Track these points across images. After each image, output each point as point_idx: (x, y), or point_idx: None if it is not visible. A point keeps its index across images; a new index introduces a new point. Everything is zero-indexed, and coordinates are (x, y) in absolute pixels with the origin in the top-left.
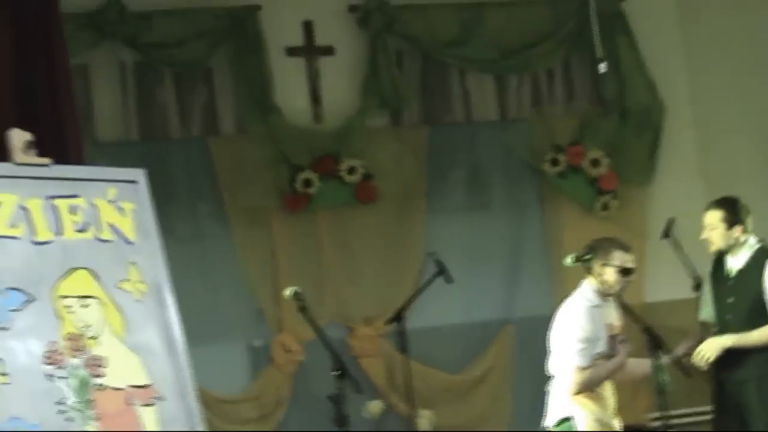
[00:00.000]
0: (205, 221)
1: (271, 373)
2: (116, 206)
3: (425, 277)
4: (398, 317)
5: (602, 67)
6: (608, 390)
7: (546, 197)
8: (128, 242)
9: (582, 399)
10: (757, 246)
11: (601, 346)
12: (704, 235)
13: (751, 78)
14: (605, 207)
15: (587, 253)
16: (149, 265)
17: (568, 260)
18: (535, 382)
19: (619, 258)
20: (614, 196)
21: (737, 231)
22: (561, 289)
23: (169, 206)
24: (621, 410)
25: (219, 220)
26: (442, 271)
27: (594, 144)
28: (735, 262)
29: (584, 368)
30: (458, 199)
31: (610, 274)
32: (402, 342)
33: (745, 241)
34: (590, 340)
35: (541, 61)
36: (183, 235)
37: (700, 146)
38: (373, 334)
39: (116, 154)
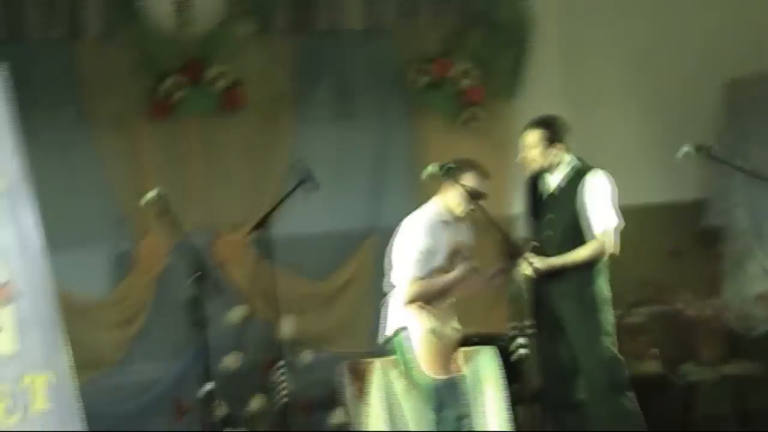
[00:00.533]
0: (70, 126)
1: (134, 279)
2: None
3: (291, 185)
4: (263, 224)
5: None
6: (448, 302)
7: (413, 109)
8: None
9: (417, 310)
10: (575, 163)
11: (440, 260)
12: (524, 153)
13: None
14: (472, 119)
15: (449, 163)
16: (7, 163)
17: (431, 169)
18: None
19: (472, 180)
20: (481, 109)
21: (557, 149)
22: (425, 200)
23: (32, 109)
24: (479, 320)
25: (83, 125)
26: (307, 179)
27: (462, 56)
28: (553, 180)
29: (419, 279)
30: (326, 109)
31: (458, 195)
32: (266, 249)
33: (563, 161)
34: (428, 252)
35: None
36: (45, 141)
37: (566, 64)
38: (237, 241)
39: None
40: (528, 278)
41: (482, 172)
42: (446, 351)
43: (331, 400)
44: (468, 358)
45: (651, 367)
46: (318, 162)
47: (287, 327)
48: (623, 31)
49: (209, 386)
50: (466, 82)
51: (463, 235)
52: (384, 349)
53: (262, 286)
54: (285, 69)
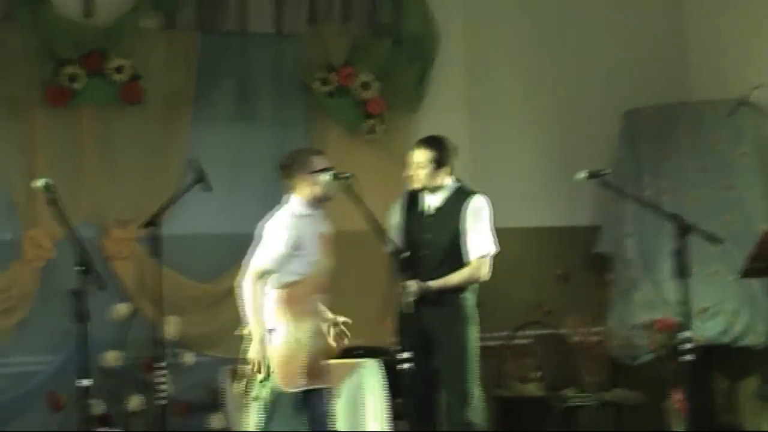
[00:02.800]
0: None
1: (19, 268)
2: None
3: (185, 184)
4: (153, 222)
5: None
6: (319, 312)
7: (313, 116)
8: None
9: (284, 314)
10: (455, 185)
11: (313, 255)
12: (410, 171)
13: (526, 13)
14: (371, 131)
15: (344, 173)
16: None
17: (328, 177)
18: None
19: (321, 162)
20: (381, 121)
21: (443, 172)
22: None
23: None
24: (367, 332)
25: None
26: (201, 178)
27: (365, 67)
28: (433, 200)
29: (266, 271)
30: (225, 109)
31: (324, 178)
32: (155, 247)
33: (445, 182)
34: (294, 247)
35: None
36: None
37: (470, 78)
38: (126, 237)
39: None
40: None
41: (319, 151)
42: (305, 361)
43: (211, 403)
44: (352, 370)
45: (533, 389)
46: (214, 162)
47: (171, 327)
48: (527, 54)
49: (86, 382)
50: (367, 93)
51: (326, 227)
52: None
53: (148, 285)
54: (186, 66)
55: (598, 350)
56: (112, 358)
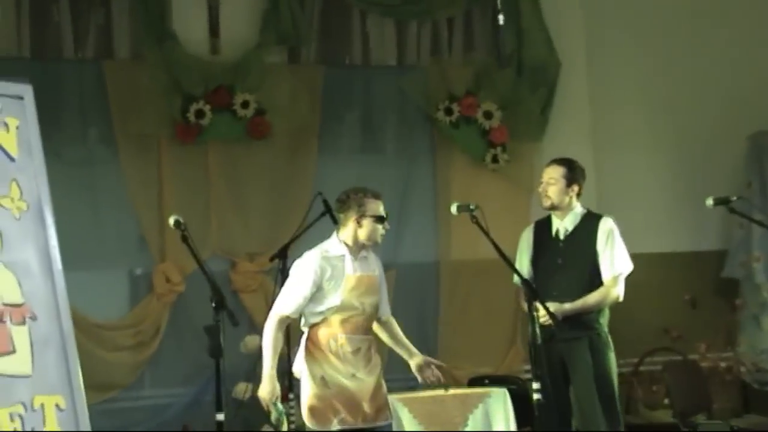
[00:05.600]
0: (95, 146)
1: (150, 302)
2: (0, 121)
3: (312, 217)
4: (282, 254)
5: (501, 19)
6: (355, 351)
7: (438, 146)
8: (11, 158)
9: (308, 354)
10: (584, 211)
11: (337, 299)
12: (542, 188)
13: (647, 41)
14: (495, 160)
15: (468, 204)
16: (31, 183)
17: (453, 209)
18: (412, 326)
19: (374, 208)
20: (504, 150)
21: (573, 190)
22: (446, 237)
23: (58, 128)
24: (494, 361)
25: (108, 145)
26: (328, 211)
27: (488, 96)
28: (563, 225)
29: (287, 317)
30: (351, 142)
31: (369, 225)
32: (283, 279)
33: (573, 206)
34: (315, 288)
35: (443, 9)
36: (71, 159)
37: (593, 106)
38: (255, 270)
39: (5, 70)
40: (545, 325)
41: (377, 195)
42: (336, 400)
43: None
44: (478, 400)
45: (663, 416)
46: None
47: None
48: (650, 79)
49: (221, 416)
50: (490, 122)
51: (370, 269)
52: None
53: None
54: (311, 100)
55: (728, 376)
56: (242, 390)
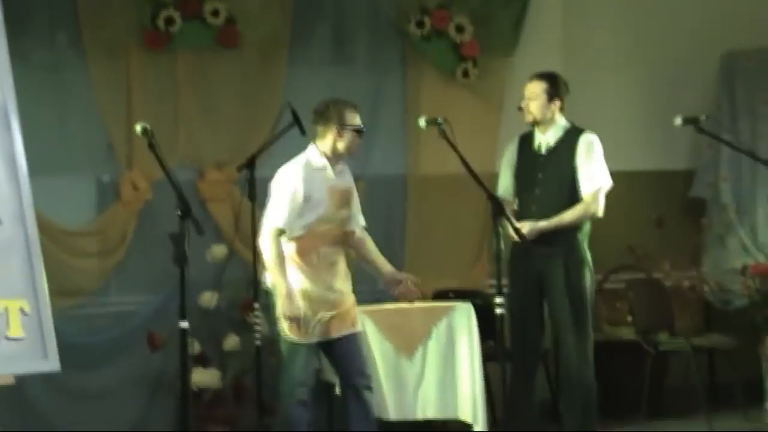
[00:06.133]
0: (62, 51)
1: (117, 209)
2: None
3: (280, 127)
4: (250, 164)
5: None
6: (331, 264)
7: (408, 59)
8: None
9: (292, 267)
10: (567, 125)
11: (321, 209)
12: (523, 104)
13: None
14: (465, 74)
15: (435, 118)
16: None
17: (421, 122)
18: (379, 239)
19: (353, 118)
20: (475, 64)
21: (555, 105)
22: (415, 150)
23: (26, 32)
24: (459, 276)
25: (76, 50)
26: (296, 121)
27: (460, 10)
28: (545, 139)
29: (279, 230)
30: (321, 53)
31: (349, 136)
32: (251, 189)
33: (556, 120)
34: (303, 200)
35: None
36: (38, 64)
37: (565, 23)
38: (223, 179)
39: None
40: (524, 243)
41: (356, 107)
42: (314, 313)
43: None
44: (443, 313)
45: (626, 333)
46: (310, 106)
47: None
48: None
49: (186, 324)
50: (462, 36)
51: (346, 180)
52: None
53: (244, 226)
54: (282, 10)
55: (691, 295)
56: (208, 299)
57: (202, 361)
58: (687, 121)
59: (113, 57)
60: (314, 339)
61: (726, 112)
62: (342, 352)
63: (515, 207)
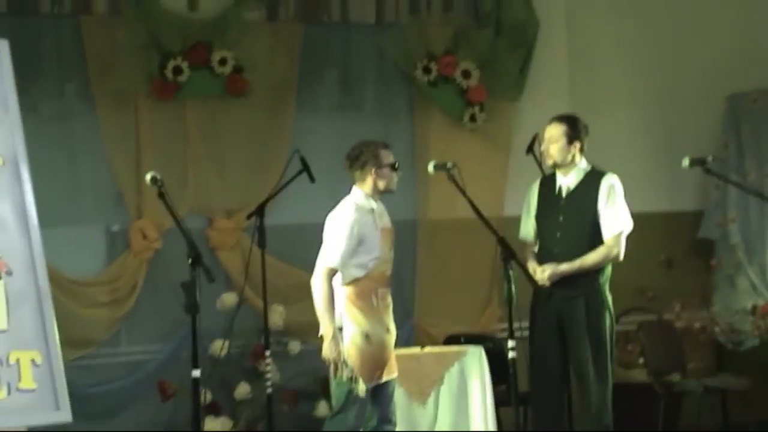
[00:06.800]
0: (72, 101)
1: (126, 259)
2: None
3: (289, 174)
4: (259, 212)
5: None
6: (387, 306)
7: (416, 104)
8: None
9: (353, 310)
10: (588, 168)
11: (376, 251)
12: (544, 147)
13: (624, 4)
14: (473, 119)
15: (445, 162)
16: (6, 138)
17: (430, 167)
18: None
19: (388, 157)
20: (482, 109)
21: (575, 147)
22: (424, 195)
23: (35, 83)
24: (469, 320)
25: (85, 101)
26: (305, 169)
27: (467, 55)
28: (565, 181)
29: (334, 270)
30: (329, 99)
31: (388, 173)
32: (260, 237)
33: (577, 162)
34: (358, 241)
35: None
36: (48, 114)
37: (571, 66)
38: (232, 227)
39: None
40: (541, 287)
41: (386, 145)
42: (378, 356)
43: (317, 391)
44: (454, 358)
45: (638, 375)
46: (318, 152)
47: (276, 316)
48: (629, 39)
49: (197, 372)
50: (468, 81)
51: (388, 220)
52: None
53: (253, 274)
54: (290, 57)
55: (702, 336)
56: (219, 347)
57: (214, 409)
58: (694, 162)
59: (122, 106)
60: (374, 383)
61: (733, 152)
62: (383, 395)
63: (535, 249)
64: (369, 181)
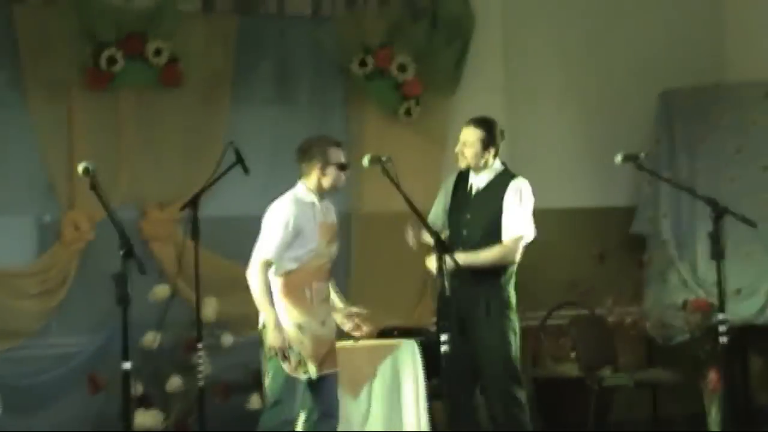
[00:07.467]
0: (3, 91)
1: (58, 250)
2: None
3: (224, 166)
4: (192, 204)
5: None
6: (323, 300)
7: (351, 98)
8: None
9: (285, 302)
10: (501, 168)
11: (312, 243)
12: (458, 149)
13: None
14: (408, 113)
15: (379, 156)
16: None
17: (365, 161)
18: None
19: (337, 156)
20: (417, 103)
21: (489, 153)
22: (358, 189)
23: None
24: (403, 314)
25: (17, 90)
26: (239, 161)
27: (402, 49)
28: (477, 181)
29: (269, 261)
30: (264, 92)
31: (333, 173)
32: (194, 229)
33: (489, 164)
34: (294, 233)
35: None
36: None
37: (506, 61)
38: (165, 219)
39: None
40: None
41: (339, 143)
42: (312, 349)
43: (250, 384)
44: (387, 351)
45: (569, 369)
46: (252, 144)
47: (209, 309)
48: (564, 35)
49: (128, 365)
50: (404, 75)
51: (331, 217)
52: None
53: (186, 266)
54: (225, 49)
55: (633, 330)
56: (151, 339)
57: (145, 402)
58: (627, 158)
59: (54, 96)
60: (310, 375)
61: (665, 149)
62: (323, 390)
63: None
64: (313, 176)
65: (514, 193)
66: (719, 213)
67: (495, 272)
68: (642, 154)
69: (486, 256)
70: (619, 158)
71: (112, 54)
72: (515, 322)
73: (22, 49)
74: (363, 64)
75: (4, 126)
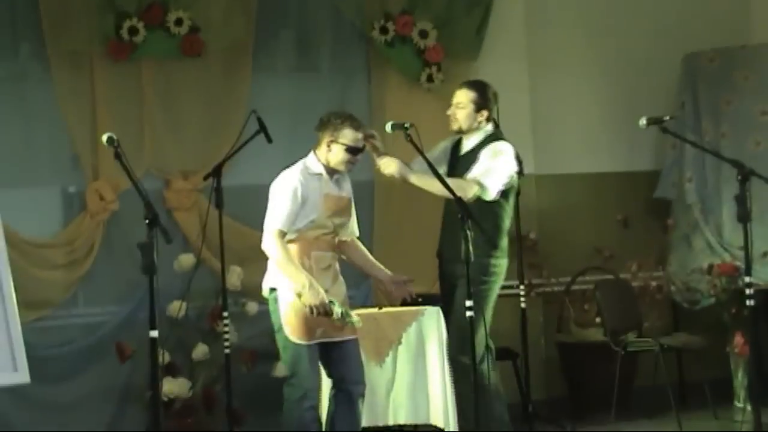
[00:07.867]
0: (26, 62)
1: (83, 220)
2: None
3: (246, 135)
4: (216, 173)
5: None
6: (324, 269)
7: (373, 65)
8: None
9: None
10: (491, 131)
11: (314, 215)
12: (450, 111)
13: None
14: (430, 79)
15: (402, 122)
16: None
17: (388, 127)
18: None
19: (349, 137)
20: (439, 69)
21: (482, 116)
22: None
23: None
24: (429, 280)
25: (40, 61)
26: (262, 129)
27: (423, 15)
28: (467, 144)
29: (282, 232)
30: (285, 60)
31: (338, 152)
32: (217, 198)
33: (481, 127)
34: (300, 204)
35: None
36: (1, 75)
37: (528, 26)
38: (189, 188)
39: None
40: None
41: (359, 125)
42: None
43: (275, 351)
44: (412, 318)
45: (594, 335)
46: (274, 113)
47: (233, 277)
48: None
49: (155, 333)
50: (426, 41)
51: (343, 190)
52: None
53: (211, 235)
54: (246, 18)
55: (658, 295)
56: (176, 308)
57: (171, 370)
58: (651, 121)
59: (77, 67)
60: (317, 340)
61: (689, 112)
62: (341, 357)
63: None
64: (322, 149)
65: (489, 150)
66: (745, 175)
67: (487, 245)
68: (666, 117)
69: (441, 182)
70: (643, 122)
71: (134, 24)
72: (492, 289)
73: (45, 21)
74: (384, 30)
75: (28, 98)
